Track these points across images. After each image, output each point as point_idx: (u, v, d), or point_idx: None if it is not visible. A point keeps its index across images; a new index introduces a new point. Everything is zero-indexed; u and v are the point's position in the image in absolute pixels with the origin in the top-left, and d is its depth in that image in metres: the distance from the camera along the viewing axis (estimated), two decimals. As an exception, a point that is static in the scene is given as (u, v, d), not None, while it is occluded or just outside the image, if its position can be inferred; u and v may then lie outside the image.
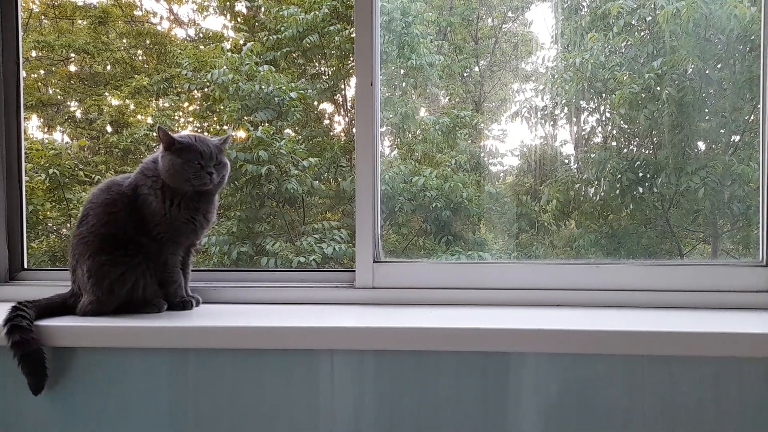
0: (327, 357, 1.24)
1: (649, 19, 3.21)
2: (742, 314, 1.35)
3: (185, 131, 3.98)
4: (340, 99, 4.16)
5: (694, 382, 1.18)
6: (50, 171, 3.62)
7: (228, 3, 4.37)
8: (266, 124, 3.71)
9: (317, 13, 3.88)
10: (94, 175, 3.87)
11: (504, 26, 4.24)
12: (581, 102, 3.45)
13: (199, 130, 4.19)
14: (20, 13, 1.66)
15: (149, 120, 4.24)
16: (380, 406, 1.24)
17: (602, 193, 3.29)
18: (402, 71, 3.88)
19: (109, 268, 1.30)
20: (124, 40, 4.53)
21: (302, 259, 3.44)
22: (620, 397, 1.19)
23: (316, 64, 4.22)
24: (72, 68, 4.46)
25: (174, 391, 1.27)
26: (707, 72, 3.06)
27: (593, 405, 1.20)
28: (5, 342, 1.19)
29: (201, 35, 4.48)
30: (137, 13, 4.55)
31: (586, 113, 3.53)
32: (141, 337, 1.24)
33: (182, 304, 1.40)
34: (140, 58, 4.59)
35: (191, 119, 4.30)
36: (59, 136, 4.37)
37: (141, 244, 1.34)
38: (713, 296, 1.43)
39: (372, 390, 1.24)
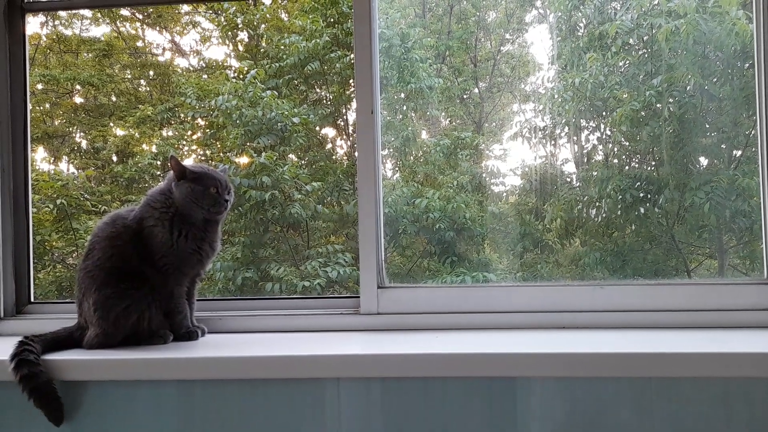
0: (333, 385, 1.24)
1: (646, 38, 3.24)
2: (749, 333, 1.34)
3: (188, 160, 4.02)
4: (342, 123, 4.20)
5: (703, 403, 1.17)
6: (58, 201, 3.65)
7: (230, 33, 4.45)
8: (269, 150, 3.75)
9: (318, 40, 3.94)
10: (100, 205, 3.90)
11: (502, 48, 4.29)
12: (581, 121, 3.47)
13: (203, 158, 4.23)
14: (27, 49, 1.70)
15: (153, 149, 4.29)
16: (387, 433, 1.23)
17: (605, 212, 3.29)
18: (402, 95, 3.92)
19: (115, 301, 1.31)
20: (128, 72, 4.61)
21: (307, 284, 3.44)
22: (629, 420, 1.18)
23: (318, 90, 4.27)
24: (77, 100, 4.53)
25: (181, 423, 1.26)
26: (707, 88, 3.08)
27: (602, 429, 1.19)
28: (13, 377, 1.19)
29: (204, 64, 4.56)
30: (140, 44, 4.63)
31: (586, 132, 3.55)
32: (148, 369, 1.24)
33: (188, 334, 1.40)
34: (144, 88, 4.66)
35: (195, 147, 4.34)
36: (65, 167, 4.42)
37: (146, 276, 1.35)
38: (719, 315, 1.42)
39: (379, 417, 1.23)
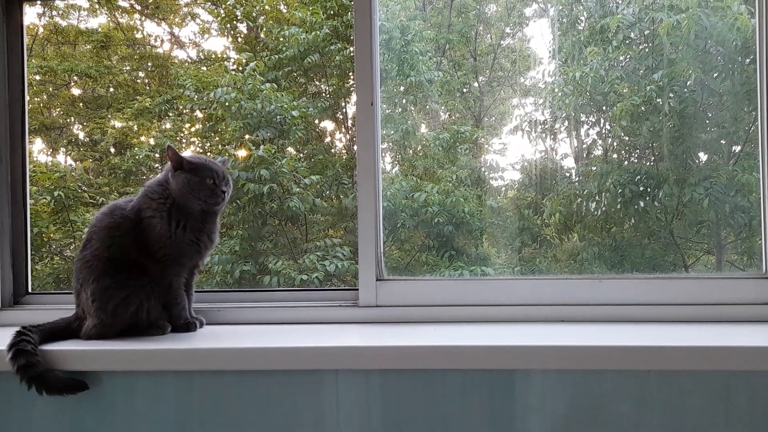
0: (332, 377, 1.24)
1: (648, 32, 3.23)
2: (748, 327, 1.34)
3: (186, 152, 4.01)
4: (341, 116, 4.19)
5: (702, 396, 1.17)
6: (55, 193, 3.64)
7: (229, 24, 4.43)
8: (268, 143, 3.73)
9: (318, 33, 3.93)
10: (97, 197, 3.89)
11: (503, 42, 4.28)
12: (581, 115, 3.47)
13: (201, 150, 4.22)
14: (25, 41, 1.68)
15: (151, 141, 4.28)
16: (386, 425, 1.23)
17: (604, 207, 3.29)
18: (402, 88, 3.91)
19: (113, 292, 1.30)
20: (126, 64, 4.59)
21: (305, 277, 3.44)
22: (629, 413, 1.18)
23: (317, 82, 4.26)
24: (75, 92, 4.52)
25: (180, 414, 1.26)
26: (708, 83, 3.07)
27: (602, 422, 1.19)
28: (10, 367, 1.19)
29: (203, 56, 4.54)
30: (138, 36, 4.61)
31: (586, 126, 3.55)
32: (146, 360, 1.24)
33: (186, 325, 1.40)
34: (142, 80, 4.64)
35: (193, 140, 4.33)
36: (62, 159, 4.41)
37: (144, 267, 1.34)
38: (718, 309, 1.42)
39: (377, 410, 1.23)
